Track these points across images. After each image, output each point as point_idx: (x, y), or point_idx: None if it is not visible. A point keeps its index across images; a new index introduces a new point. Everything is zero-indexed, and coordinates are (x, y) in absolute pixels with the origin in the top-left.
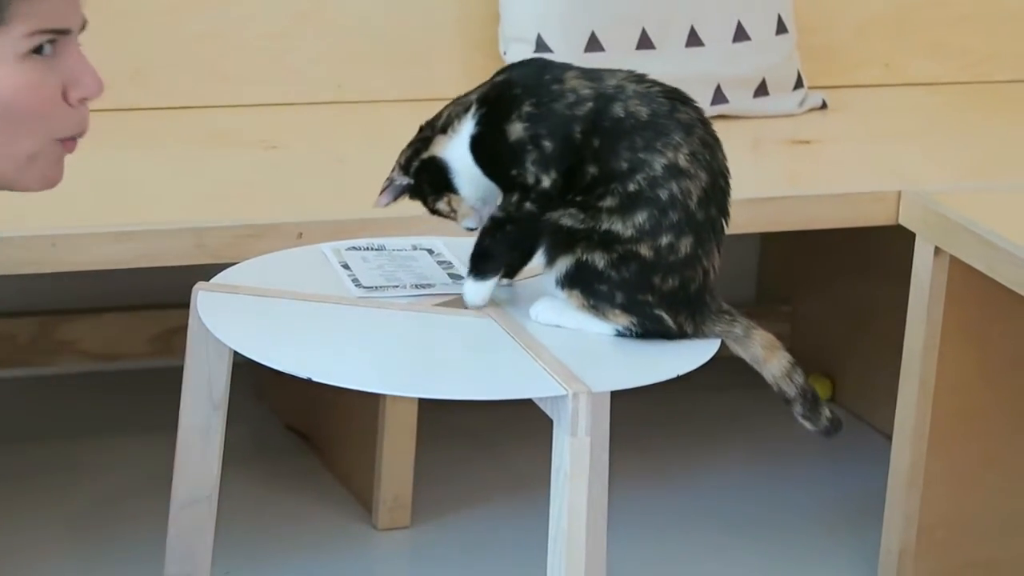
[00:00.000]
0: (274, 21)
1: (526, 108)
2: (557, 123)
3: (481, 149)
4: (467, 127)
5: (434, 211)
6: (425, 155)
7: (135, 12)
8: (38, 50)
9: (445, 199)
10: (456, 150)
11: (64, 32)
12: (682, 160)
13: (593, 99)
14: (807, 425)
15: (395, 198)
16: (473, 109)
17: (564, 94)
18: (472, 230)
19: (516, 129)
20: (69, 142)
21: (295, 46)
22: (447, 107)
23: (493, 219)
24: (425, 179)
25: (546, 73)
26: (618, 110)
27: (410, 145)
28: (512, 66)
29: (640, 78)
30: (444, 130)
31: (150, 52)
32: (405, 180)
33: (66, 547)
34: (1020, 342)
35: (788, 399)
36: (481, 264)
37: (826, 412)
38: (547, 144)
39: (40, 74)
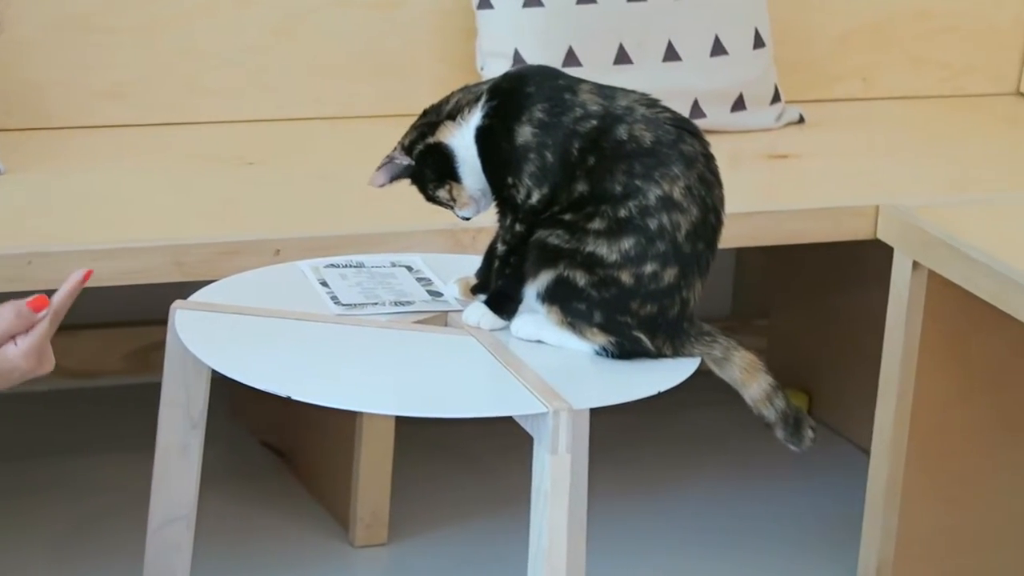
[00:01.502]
0: (250, 37)
1: (538, 113)
2: (561, 137)
3: (486, 142)
4: (475, 117)
5: (432, 198)
6: (431, 139)
7: (111, 29)
8: None
9: (447, 187)
10: (463, 138)
11: None
12: (677, 193)
13: (599, 117)
14: (790, 447)
15: (391, 179)
16: (484, 99)
17: (574, 107)
18: (467, 219)
19: (525, 132)
20: None
21: (272, 62)
22: (455, 93)
23: (499, 256)
24: (428, 164)
25: (561, 79)
26: (621, 132)
27: (414, 128)
28: (527, 65)
29: (653, 102)
30: (452, 116)
31: (127, 69)
32: (406, 161)
33: (43, 566)
34: (998, 356)
35: (768, 423)
36: (504, 304)
37: (809, 433)
38: (549, 157)
39: None
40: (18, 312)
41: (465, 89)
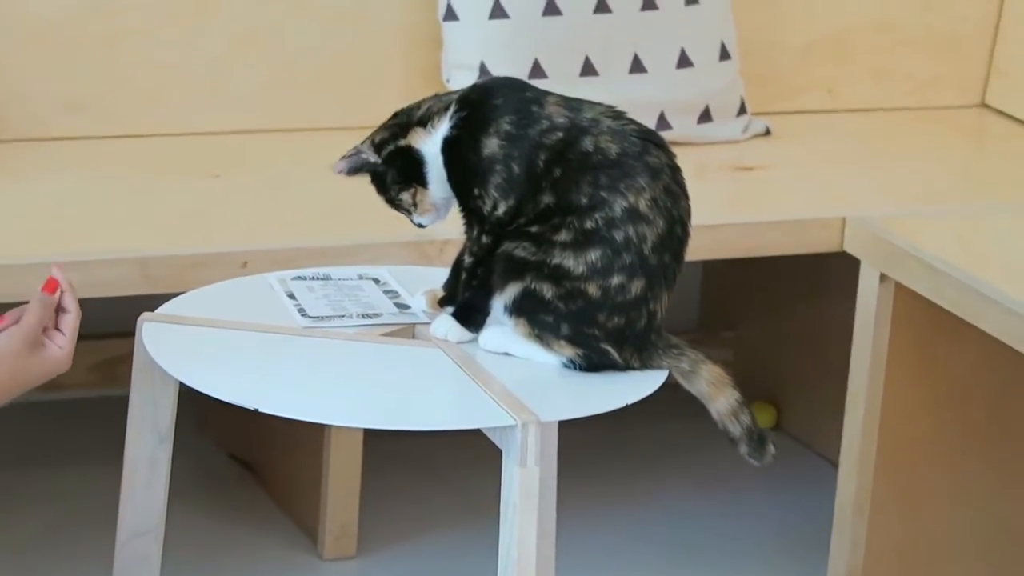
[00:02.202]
0: (213, 48)
1: (504, 125)
2: (527, 148)
3: (453, 153)
4: (444, 126)
5: (393, 201)
6: (403, 142)
7: (72, 40)
8: None
9: (411, 191)
10: (432, 146)
11: None
12: (643, 205)
13: (565, 129)
14: (752, 462)
15: (353, 171)
16: (452, 109)
17: (540, 119)
18: (422, 227)
19: (491, 144)
20: None
21: (235, 73)
22: (427, 100)
23: (467, 268)
24: (396, 166)
25: (528, 91)
26: (587, 144)
27: (385, 128)
28: (495, 77)
29: (618, 115)
30: (423, 123)
31: (89, 80)
32: (373, 158)
33: None
34: (966, 367)
35: (733, 438)
36: (471, 316)
37: (771, 449)
38: (515, 168)
39: None
40: (41, 302)
41: (436, 97)
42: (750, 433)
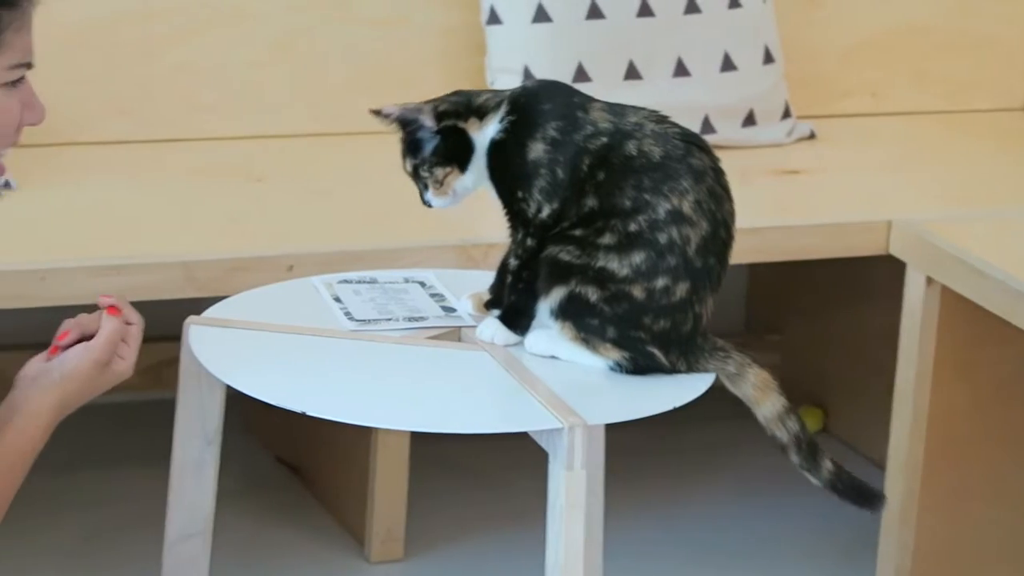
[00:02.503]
0: (255, 52)
1: (551, 131)
2: (571, 153)
3: (499, 155)
4: (493, 126)
5: (418, 169)
6: (462, 124)
7: (117, 45)
8: (16, 80)
9: (447, 171)
10: (482, 139)
11: (31, 66)
12: (686, 207)
13: (609, 134)
14: (808, 477)
15: (401, 121)
16: (503, 110)
17: (585, 125)
18: (430, 207)
19: (537, 149)
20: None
21: (278, 77)
22: (485, 92)
23: (512, 271)
24: (448, 143)
25: (575, 97)
26: (631, 148)
27: (448, 101)
28: (543, 81)
29: (662, 119)
30: (480, 114)
31: (135, 85)
32: (430, 123)
33: None
34: (1011, 370)
35: (782, 445)
36: (517, 319)
37: (828, 464)
38: (560, 173)
39: (12, 100)
40: (111, 325)
41: (494, 92)
42: (798, 441)
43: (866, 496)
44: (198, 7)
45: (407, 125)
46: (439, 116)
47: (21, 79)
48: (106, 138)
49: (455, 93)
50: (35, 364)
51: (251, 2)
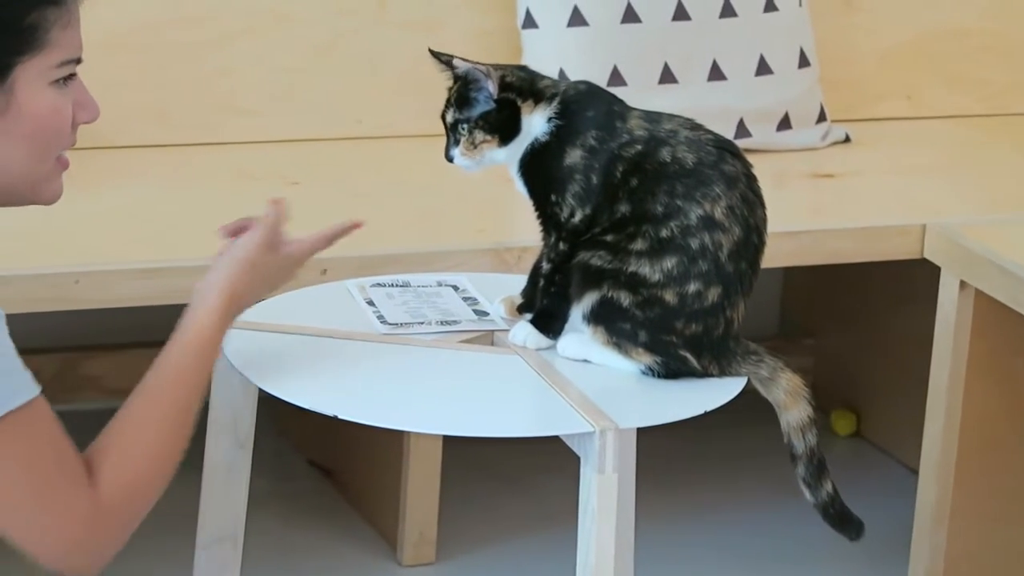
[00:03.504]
0: (292, 56)
1: (590, 139)
2: (606, 160)
3: (539, 158)
4: (541, 120)
5: (458, 123)
6: (520, 103)
7: (157, 49)
8: (66, 77)
9: (487, 138)
10: (528, 124)
11: (80, 61)
12: (719, 213)
13: (644, 141)
14: (806, 492)
15: (467, 78)
16: (554, 108)
17: (622, 133)
18: (451, 162)
19: (574, 155)
20: (63, 159)
21: (314, 81)
22: (547, 78)
23: (545, 275)
24: (500, 112)
25: (616, 105)
26: (664, 154)
27: (514, 75)
28: (589, 85)
29: (696, 126)
30: (537, 99)
31: (173, 89)
32: (492, 89)
33: None
34: None
35: (794, 455)
36: (550, 323)
37: (828, 488)
38: (594, 179)
39: (64, 99)
40: (273, 206)
41: (553, 82)
42: (811, 455)
43: (849, 523)
44: (238, 12)
45: (467, 82)
46: (503, 86)
47: (72, 76)
48: (144, 142)
49: (520, 68)
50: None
51: (290, 7)
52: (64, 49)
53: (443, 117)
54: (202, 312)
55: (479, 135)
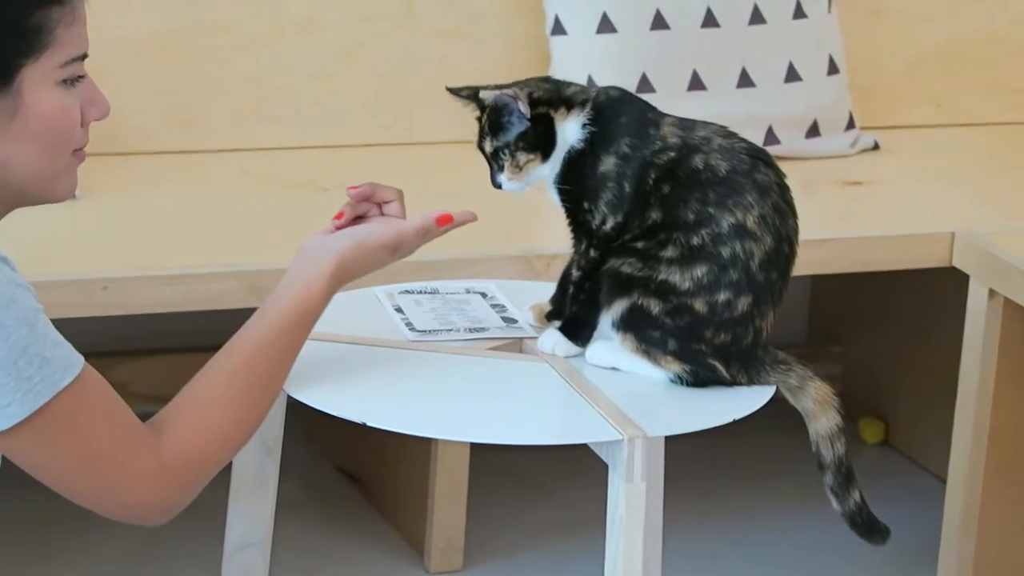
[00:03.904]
0: (319, 62)
1: (624, 147)
2: (639, 167)
3: (574, 166)
4: (575, 128)
5: (499, 151)
6: (554, 115)
7: (181, 56)
8: (74, 78)
9: (530, 157)
10: (563, 132)
11: (86, 56)
12: (750, 222)
13: (677, 149)
14: (833, 501)
15: (498, 105)
16: (586, 116)
17: (655, 140)
18: (499, 188)
19: (608, 162)
20: (79, 153)
21: (342, 87)
22: (572, 84)
23: (574, 282)
24: (537, 130)
25: (650, 112)
26: (697, 162)
27: (540, 88)
28: (621, 92)
29: (730, 134)
30: (569, 106)
31: (197, 95)
32: (524, 109)
33: None
34: None
35: (822, 464)
36: (579, 331)
37: (856, 497)
38: (627, 186)
39: (72, 97)
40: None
41: (581, 88)
42: (839, 464)
43: (876, 532)
44: (265, 18)
45: (501, 109)
46: (533, 102)
47: (80, 78)
48: (170, 148)
49: (544, 79)
50: (315, 237)
51: (318, 13)
52: (70, 47)
53: (480, 147)
54: (311, 287)
55: (522, 156)
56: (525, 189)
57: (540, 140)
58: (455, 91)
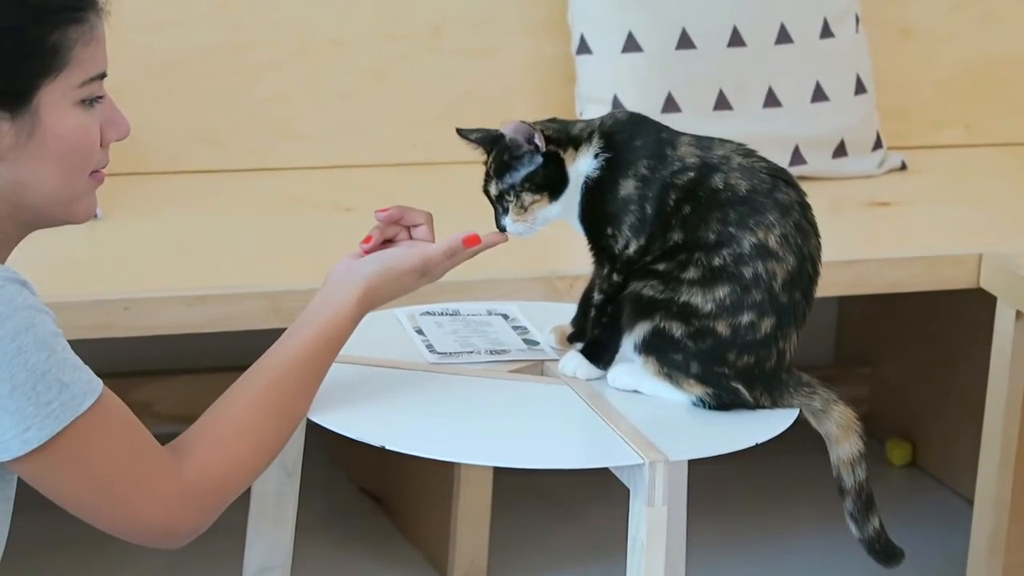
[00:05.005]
0: (344, 82)
1: (642, 169)
2: (659, 189)
3: (593, 195)
4: (588, 161)
5: (504, 193)
6: (563, 155)
7: (206, 75)
8: (93, 98)
9: (536, 198)
10: (574, 171)
11: (104, 76)
12: (772, 241)
13: (696, 168)
14: (852, 527)
15: (521, 139)
16: (597, 145)
17: (673, 161)
18: (503, 231)
19: (628, 186)
20: (98, 174)
21: (366, 107)
22: (577, 122)
23: (596, 305)
24: (548, 169)
25: (664, 132)
26: (717, 181)
27: (548, 126)
28: (631, 114)
29: (749, 152)
30: (576, 145)
31: (223, 115)
32: (539, 143)
33: None
34: None
35: (842, 489)
36: (600, 354)
37: (875, 523)
38: (648, 209)
39: (91, 117)
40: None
41: (586, 123)
42: (860, 490)
43: (893, 557)
44: (291, 37)
45: (504, 148)
46: (548, 140)
47: (100, 98)
48: (195, 167)
49: (552, 120)
50: (343, 262)
51: (344, 32)
52: (87, 66)
53: (486, 192)
54: (340, 312)
55: (527, 197)
56: (531, 232)
57: (548, 180)
58: (464, 134)
